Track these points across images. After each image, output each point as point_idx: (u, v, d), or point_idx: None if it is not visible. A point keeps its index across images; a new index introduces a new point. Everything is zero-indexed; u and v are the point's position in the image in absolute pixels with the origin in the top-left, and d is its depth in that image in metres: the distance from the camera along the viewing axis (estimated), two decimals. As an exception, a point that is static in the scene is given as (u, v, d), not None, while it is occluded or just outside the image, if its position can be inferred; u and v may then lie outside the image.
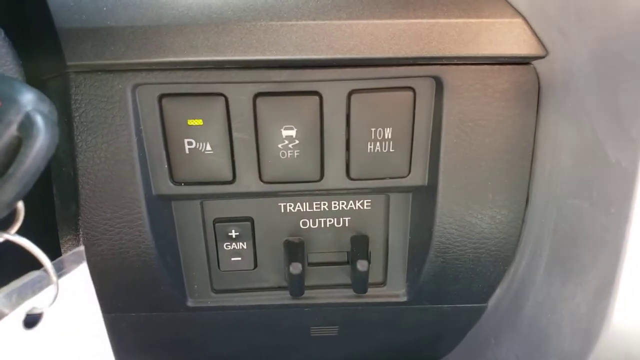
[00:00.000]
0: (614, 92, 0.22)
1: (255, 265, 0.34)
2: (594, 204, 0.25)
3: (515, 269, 0.32)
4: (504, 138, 0.28)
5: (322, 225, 0.33)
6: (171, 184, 0.30)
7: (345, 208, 0.33)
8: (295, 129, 0.29)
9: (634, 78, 0.21)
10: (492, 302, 0.35)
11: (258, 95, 0.28)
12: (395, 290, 0.35)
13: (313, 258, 0.34)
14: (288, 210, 0.33)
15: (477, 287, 0.33)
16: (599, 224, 0.25)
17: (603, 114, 0.24)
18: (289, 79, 0.28)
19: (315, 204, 0.33)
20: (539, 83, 0.28)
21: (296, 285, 0.33)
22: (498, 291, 0.34)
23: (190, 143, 0.29)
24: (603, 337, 0.26)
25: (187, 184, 0.30)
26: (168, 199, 0.31)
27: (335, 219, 0.33)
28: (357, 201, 0.33)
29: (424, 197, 0.31)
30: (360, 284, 0.33)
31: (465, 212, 0.29)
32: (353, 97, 0.28)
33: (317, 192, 0.31)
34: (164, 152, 0.29)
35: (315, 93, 0.28)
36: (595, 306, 0.26)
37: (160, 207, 0.31)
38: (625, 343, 0.26)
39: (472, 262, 0.31)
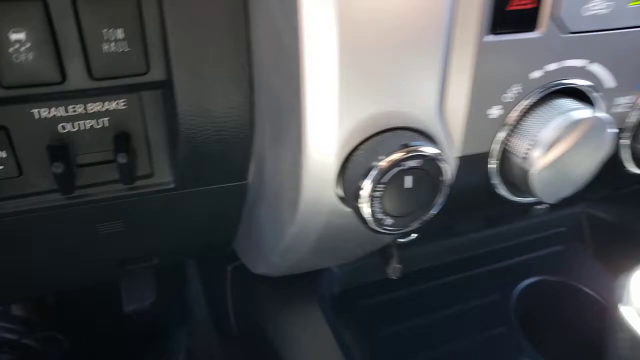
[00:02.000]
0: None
1: (21, 173, 0.36)
2: (283, 81, 0.31)
3: (256, 146, 0.38)
4: (222, 33, 0.33)
5: (82, 128, 0.36)
6: None
7: (102, 109, 0.36)
8: (24, 32, 0.30)
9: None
10: (250, 178, 0.41)
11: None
12: (163, 179, 0.39)
13: (82, 160, 0.37)
14: (43, 117, 0.35)
15: (231, 167, 0.39)
16: (289, 97, 0.31)
17: (278, 10, 0.29)
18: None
19: (71, 108, 0.35)
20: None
21: (62, 184, 0.35)
22: (252, 167, 0.40)
23: None
24: (304, 190, 0.33)
25: None
26: None
27: (94, 121, 0.36)
28: (113, 102, 0.36)
29: (168, 91, 0.35)
30: (125, 176, 0.37)
31: (201, 100, 0.34)
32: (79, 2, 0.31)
33: (64, 94, 0.34)
34: None
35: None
36: (294, 166, 0.33)
37: None
38: (318, 192, 0.34)
39: (219, 145, 0.36)
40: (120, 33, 0.32)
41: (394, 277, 0.52)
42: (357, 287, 0.64)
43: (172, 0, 0.31)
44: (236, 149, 0.37)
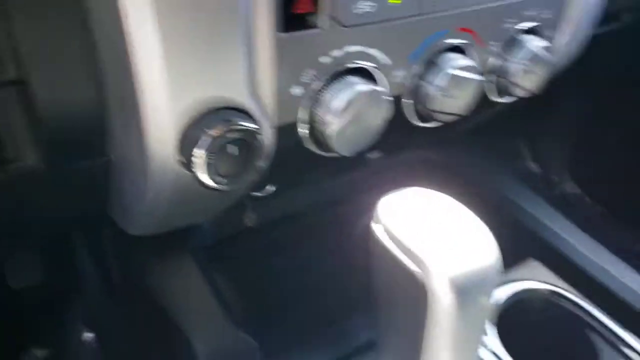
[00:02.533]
0: None
1: None
2: (122, 76, 0.39)
3: (110, 127, 0.46)
4: (69, 37, 0.40)
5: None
6: None
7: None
8: None
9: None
10: (111, 154, 0.49)
11: None
12: (32, 162, 0.46)
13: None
14: None
15: (92, 147, 0.47)
16: (128, 90, 0.40)
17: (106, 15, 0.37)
18: None
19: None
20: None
21: None
22: (110, 145, 0.48)
23: None
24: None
25: None
26: None
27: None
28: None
29: (24, 88, 0.41)
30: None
31: (56, 97, 0.41)
32: None
33: None
34: None
35: None
36: (140, 143, 0.42)
37: None
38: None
39: (78, 130, 0.44)
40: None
41: (251, 225, 0.63)
42: (228, 238, 0.74)
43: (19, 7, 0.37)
44: (93, 132, 0.45)
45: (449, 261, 0.37)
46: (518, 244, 0.81)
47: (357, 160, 0.58)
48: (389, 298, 0.44)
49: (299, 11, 0.42)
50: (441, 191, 0.44)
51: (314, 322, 0.73)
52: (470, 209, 0.42)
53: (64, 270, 0.87)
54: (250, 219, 0.63)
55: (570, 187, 1.43)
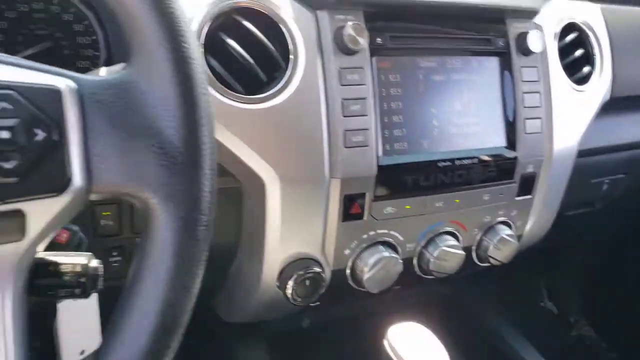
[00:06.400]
0: None
1: None
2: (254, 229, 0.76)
3: (237, 257, 0.81)
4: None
5: None
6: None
7: None
8: None
9: None
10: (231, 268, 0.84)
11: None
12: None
13: None
14: None
15: (221, 261, 0.82)
16: (256, 237, 0.76)
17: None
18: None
19: None
20: None
21: None
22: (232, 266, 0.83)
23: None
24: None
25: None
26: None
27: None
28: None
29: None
30: None
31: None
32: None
33: None
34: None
35: None
36: (258, 270, 0.77)
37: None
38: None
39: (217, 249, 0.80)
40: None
41: (306, 326, 0.95)
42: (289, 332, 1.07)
43: None
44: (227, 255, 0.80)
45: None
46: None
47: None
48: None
49: (352, 212, 0.77)
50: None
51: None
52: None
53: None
54: (305, 322, 0.95)
55: (587, 331, 1.63)
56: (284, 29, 0.70)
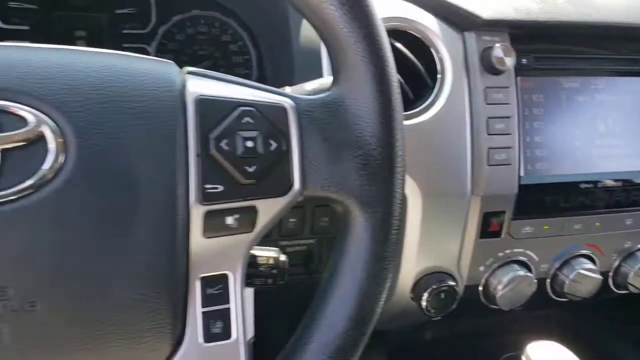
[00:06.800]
0: None
1: None
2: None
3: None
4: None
5: None
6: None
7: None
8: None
9: None
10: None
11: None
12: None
13: None
14: None
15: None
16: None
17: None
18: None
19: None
20: None
21: None
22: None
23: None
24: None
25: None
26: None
27: None
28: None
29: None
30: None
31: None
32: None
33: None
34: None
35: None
36: (394, 280, 0.80)
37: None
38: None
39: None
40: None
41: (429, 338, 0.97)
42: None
43: None
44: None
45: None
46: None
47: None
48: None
49: (490, 230, 0.78)
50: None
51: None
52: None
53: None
54: (427, 334, 0.97)
55: None
56: (432, 50, 0.73)
